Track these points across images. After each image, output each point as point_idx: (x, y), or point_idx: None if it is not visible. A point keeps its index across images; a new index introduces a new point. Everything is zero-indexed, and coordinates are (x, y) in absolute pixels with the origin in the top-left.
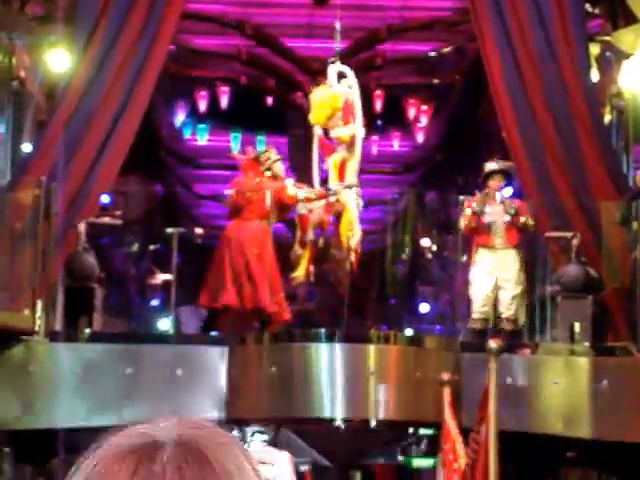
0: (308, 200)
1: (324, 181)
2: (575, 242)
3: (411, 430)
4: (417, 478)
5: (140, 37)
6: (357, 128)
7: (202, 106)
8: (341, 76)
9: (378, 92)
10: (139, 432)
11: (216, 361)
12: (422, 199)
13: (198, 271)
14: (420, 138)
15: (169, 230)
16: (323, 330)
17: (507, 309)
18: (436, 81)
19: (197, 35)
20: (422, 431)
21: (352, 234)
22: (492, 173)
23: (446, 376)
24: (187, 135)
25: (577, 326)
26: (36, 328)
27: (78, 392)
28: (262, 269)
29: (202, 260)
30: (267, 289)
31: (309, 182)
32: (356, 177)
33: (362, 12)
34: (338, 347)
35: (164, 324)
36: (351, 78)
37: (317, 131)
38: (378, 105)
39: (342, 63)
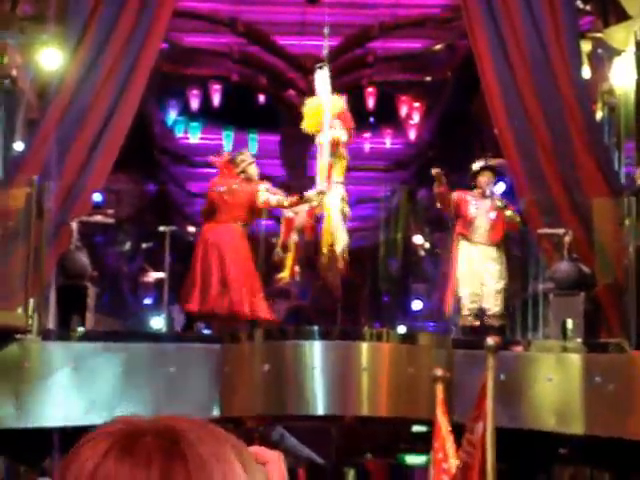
0: (280, 207)
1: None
2: (567, 239)
3: (404, 427)
4: (410, 475)
5: (132, 36)
6: (338, 132)
7: (194, 104)
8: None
9: (370, 89)
10: (125, 419)
11: (209, 359)
12: (414, 196)
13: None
14: (412, 135)
15: (161, 228)
16: (316, 327)
17: (492, 305)
18: (428, 78)
19: (189, 33)
20: (415, 428)
21: (334, 241)
22: (481, 170)
23: (439, 372)
24: (179, 133)
25: (569, 323)
26: (29, 327)
27: (71, 391)
28: (239, 273)
29: None
30: (243, 293)
31: (301, 180)
32: (341, 183)
33: (354, 9)
34: (331, 344)
35: (157, 322)
36: (327, 85)
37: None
38: (370, 102)
39: (333, 61)
